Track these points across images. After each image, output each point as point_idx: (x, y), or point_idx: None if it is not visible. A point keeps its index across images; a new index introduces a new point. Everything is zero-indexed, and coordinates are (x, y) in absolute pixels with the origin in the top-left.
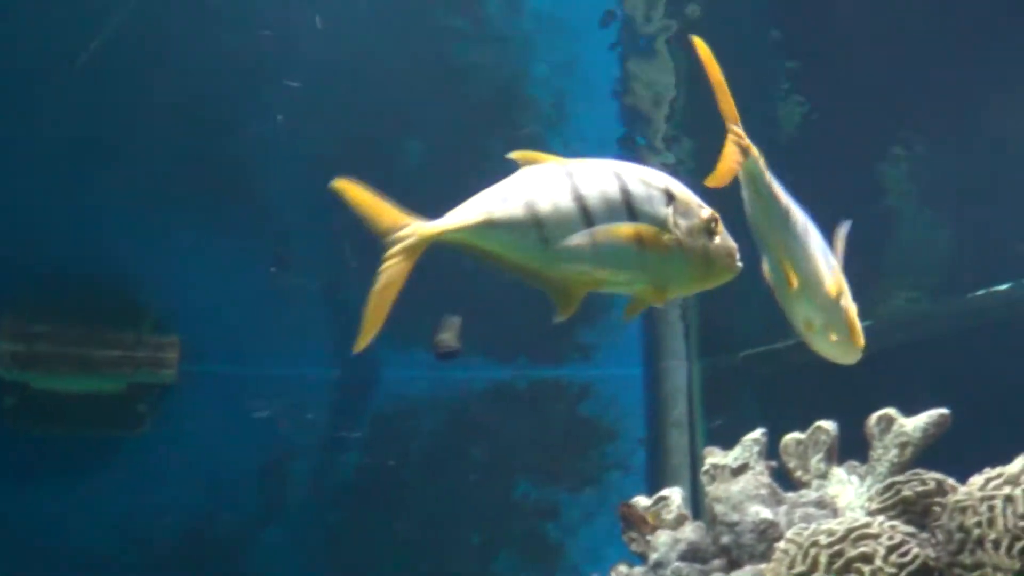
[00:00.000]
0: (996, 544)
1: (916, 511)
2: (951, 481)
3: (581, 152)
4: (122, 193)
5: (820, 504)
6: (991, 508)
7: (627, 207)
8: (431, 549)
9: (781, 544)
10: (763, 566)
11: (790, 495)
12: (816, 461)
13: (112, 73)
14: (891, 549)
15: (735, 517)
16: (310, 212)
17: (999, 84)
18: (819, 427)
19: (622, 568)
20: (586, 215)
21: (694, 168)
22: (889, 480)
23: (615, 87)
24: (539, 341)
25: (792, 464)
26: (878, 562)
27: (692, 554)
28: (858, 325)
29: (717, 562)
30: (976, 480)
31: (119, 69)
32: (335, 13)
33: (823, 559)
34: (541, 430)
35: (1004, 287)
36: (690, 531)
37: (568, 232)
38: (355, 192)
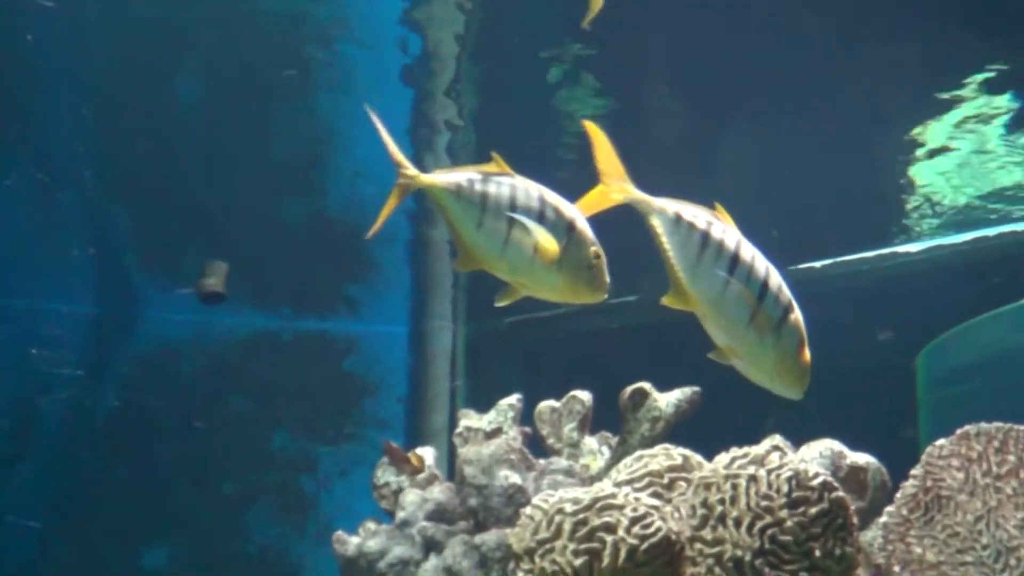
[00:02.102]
0: (737, 522)
1: (662, 485)
2: (698, 458)
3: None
4: None
5: (569, 472)
6: (735, 487)
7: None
8: (183, 497)
9: (527, 510)
10: (508, 530)
11: (540, 462)
12: (569, 430)
13: None
14: (635, 520)
15: (484, 480)
16: (73, 138)
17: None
18: (574, 396)
19: (370, 524)
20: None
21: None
22: (638, 453)
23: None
24: (306, 293)
25: (545, 431)
26: (621, 532)
27: (439, 514)
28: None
29: (464, 524)
30: (722, 458)
31: None
32: None
33: (567, 527)
34: (303, 382)
35: None
36: (439, 492)
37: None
38: (380, 126)
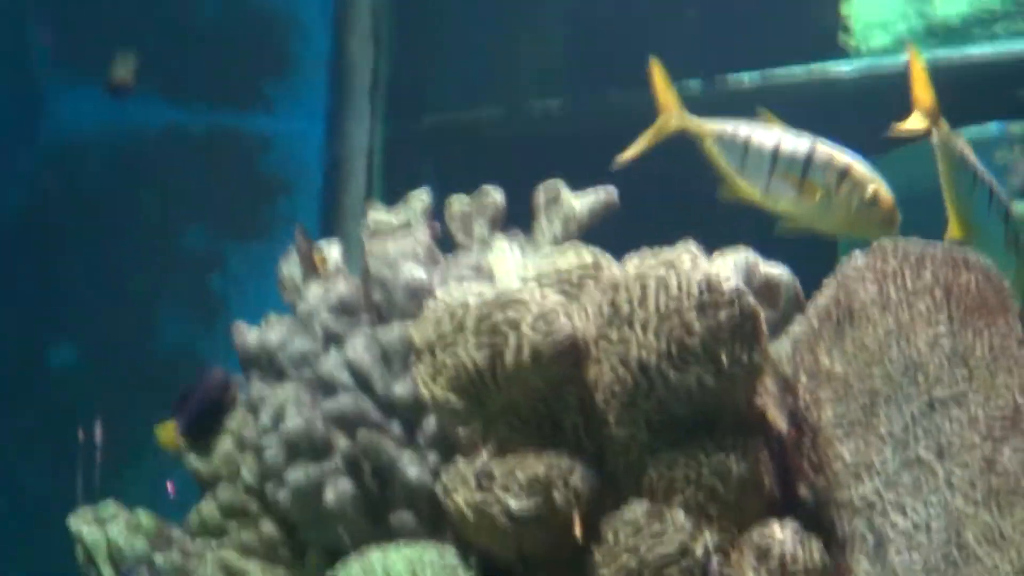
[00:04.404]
0: (644, 324)
1: (571, 283)
2: (609, 258)
3: None
4: None
5: (477, 269)
6: (643, 288)
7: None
8: (90, 296)
9: (429, 303)
10: (410, 324)
11: (448, 257)
12: (479, 226)
13: None
14: (539, 316)
15: (388, 274)
16: None
17: None
18: (485, 191)
19: (272, 317)
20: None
21: None
22: (547, 250)
23: None
24: (220, 87)
25: (455, 227)
26: (524, 328)
27: (341, 308)
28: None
29: (366, 317)
30: (632, 259)
31: None
32: None
33: (469, 321)
34: (215, 179)
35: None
36: (342, 285)
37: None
38: (659, 74)
